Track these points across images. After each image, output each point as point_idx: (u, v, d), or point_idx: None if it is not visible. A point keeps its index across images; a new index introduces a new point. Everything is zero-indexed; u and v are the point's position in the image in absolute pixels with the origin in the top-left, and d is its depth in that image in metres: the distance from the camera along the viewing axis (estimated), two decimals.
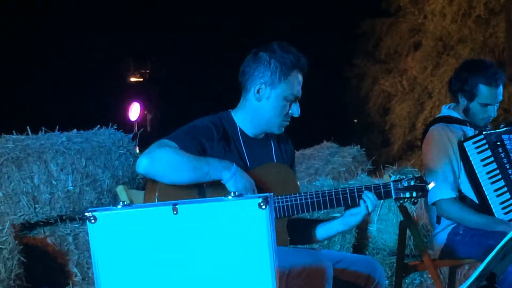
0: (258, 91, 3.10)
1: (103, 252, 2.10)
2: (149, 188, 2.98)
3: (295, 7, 18.37)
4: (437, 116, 4.12)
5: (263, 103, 3.10)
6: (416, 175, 3.15)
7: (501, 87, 3.95)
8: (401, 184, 3.11)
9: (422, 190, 3.13)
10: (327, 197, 3.03)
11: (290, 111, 3.13)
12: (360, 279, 3.05)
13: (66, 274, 4.75)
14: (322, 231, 3.21)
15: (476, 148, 3.87)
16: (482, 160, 3.86)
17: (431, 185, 3.14)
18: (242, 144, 3.11)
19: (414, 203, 3.23)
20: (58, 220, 4.83)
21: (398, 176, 3.15)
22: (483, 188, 3.85)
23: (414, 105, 16.46)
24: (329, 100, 17.52)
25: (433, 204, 3.92)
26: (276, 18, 18.12)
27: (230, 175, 2.91)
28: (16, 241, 4.30)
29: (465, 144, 3.88)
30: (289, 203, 3.00)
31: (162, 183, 2.92)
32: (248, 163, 3.08)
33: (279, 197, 3.00)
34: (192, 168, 2.88)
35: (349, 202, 3.07)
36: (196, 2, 18.67)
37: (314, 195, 3.02)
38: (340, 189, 3.06)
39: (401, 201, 3.19)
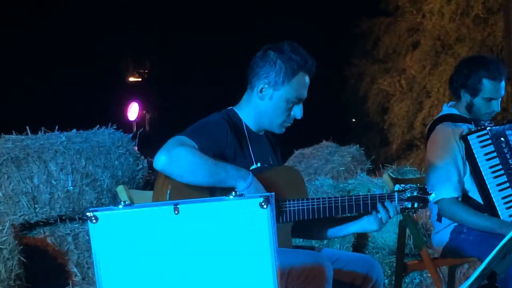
0: (261, 90, 3.06)
1: (104, 252, 2.10)
2: (161, 183, 2.92)
3: (294, 6, 18.40)
4: (440, 114, 4.07)
5: (265, 103, 3.07)
6: (420, 186, 3.08)
7: (503, 81, 3.92)
8: (404, 195, 3.05)
9: (424, 201, 3.06)
10: (333, 204, 2.98)
11: (292, 113, 3.09)
12: (357, 279, 3.02)
13: (66, 274, 4.74)
14: (334, 229, 3.17)
15: (480, 142, 3.83)
16: (486, 154, 3.82)
17: (431, 196, 3.08)
18: (248, 140, 3.08)
19: (414, 212, 3.18)
20: (58, 220, 4.82)
21: (403, 186, 3.08)
22: (486, 182, 3.81)
23: (412, 104, 16.47)
24: (328, 100, 17.52)
25: (435, 203, 3.86)
26: (275, 17, 18.13)
27: (246, 185, 2.87)
28: (16, 241, 4.30)
29: (469, 137, 3.84)
30: (296, 208, 2.96)
31: (175, 180, 2.88)
32: (253, 158, 3.06)
33: (288, 201, 2.96)
34: (209, 173, 2.83)
35: (362, 209, 3.01)
36: (196, 1, 18.68)
37: (321, 201, 2.97)
38: (354, 196, 3.01)
39: (403, 212, 3.15)
